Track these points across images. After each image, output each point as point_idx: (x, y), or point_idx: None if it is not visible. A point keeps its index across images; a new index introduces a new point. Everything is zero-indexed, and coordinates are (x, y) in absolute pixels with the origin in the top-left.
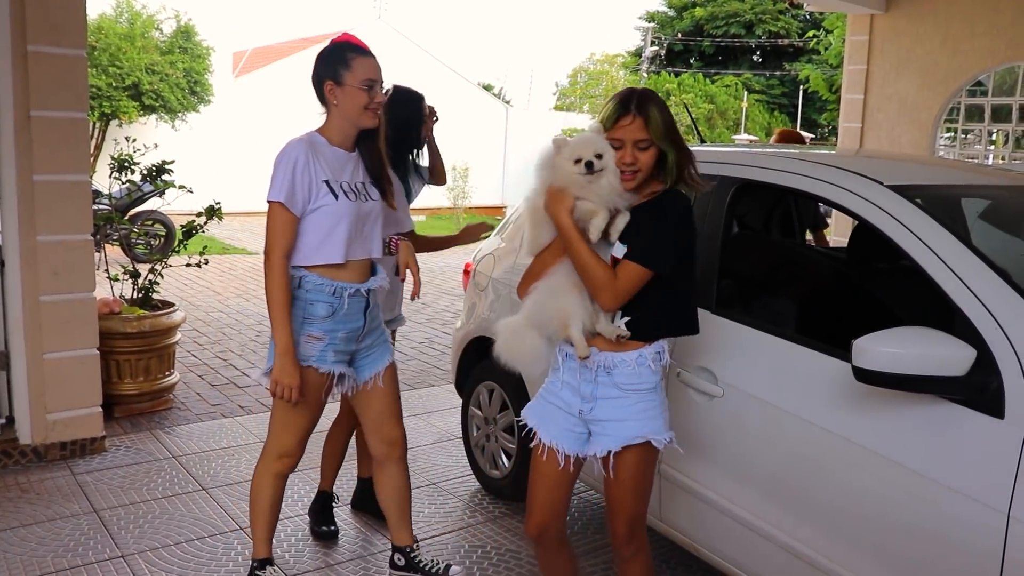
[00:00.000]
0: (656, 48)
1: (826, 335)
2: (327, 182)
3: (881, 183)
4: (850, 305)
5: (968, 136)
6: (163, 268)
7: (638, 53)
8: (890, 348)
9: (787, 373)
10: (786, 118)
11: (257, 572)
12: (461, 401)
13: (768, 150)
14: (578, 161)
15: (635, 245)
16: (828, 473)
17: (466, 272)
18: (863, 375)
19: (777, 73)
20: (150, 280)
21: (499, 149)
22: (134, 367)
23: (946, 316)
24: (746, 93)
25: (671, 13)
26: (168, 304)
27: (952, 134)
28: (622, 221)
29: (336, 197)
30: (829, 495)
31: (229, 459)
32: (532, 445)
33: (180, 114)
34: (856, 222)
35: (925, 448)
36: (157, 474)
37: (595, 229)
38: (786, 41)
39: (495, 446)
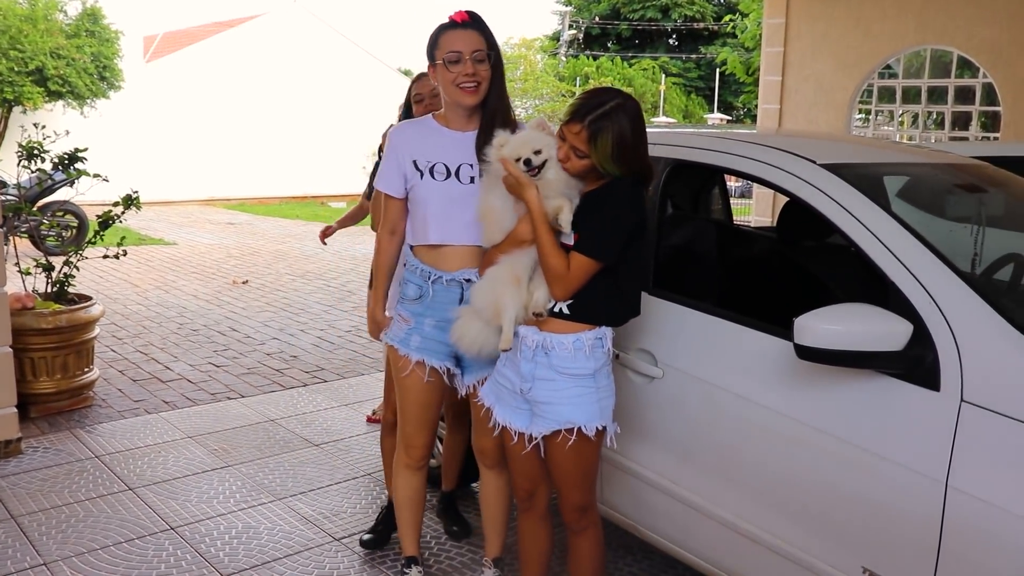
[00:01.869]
0: (574, 31)
1: (763, 313)
2: (415, 162)
3: (814, 162)
4: (786, 283)
5: (879, 116)
6: (78, 260)
7: (556, 37)
8: (830, 325)
9: (727, 353)
10: (703, 100)
11: (404, 570)
12: None
13: (702, 130)
14: (518, 160)
15: (582, 235)
16: (770, 451)
17: None
18: (805, 352)
19: (693, 56)
20: (65, 273)
21: None
22: (51, 364)
23: (879, 291)
24: (663, 76)
25: None
26: (85, 298)
27: (865, 115)
28: (569, 211)
29: (421, 176)
30: (771, 472)
31: (155, 456)
32: (490, 424)
33: (89, 100)
34: (787, 201)
35: (865, 422)
36: (79, 475)
37: (565, 222)
38: (702, 24)
39: None
